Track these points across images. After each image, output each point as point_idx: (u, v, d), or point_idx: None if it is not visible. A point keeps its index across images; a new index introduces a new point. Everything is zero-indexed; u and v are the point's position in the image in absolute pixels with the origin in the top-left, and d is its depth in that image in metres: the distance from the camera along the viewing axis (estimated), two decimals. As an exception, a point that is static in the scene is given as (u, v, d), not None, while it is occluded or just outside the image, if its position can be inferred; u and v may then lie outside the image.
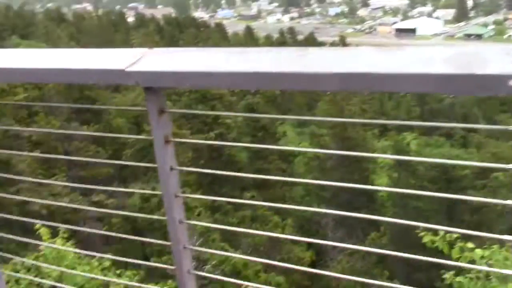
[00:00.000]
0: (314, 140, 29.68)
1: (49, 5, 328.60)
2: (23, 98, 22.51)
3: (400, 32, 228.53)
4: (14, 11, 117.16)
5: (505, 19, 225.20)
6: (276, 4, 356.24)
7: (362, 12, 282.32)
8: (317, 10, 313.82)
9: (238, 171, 27.13)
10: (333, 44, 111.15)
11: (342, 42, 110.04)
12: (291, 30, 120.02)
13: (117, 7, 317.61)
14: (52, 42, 72.88)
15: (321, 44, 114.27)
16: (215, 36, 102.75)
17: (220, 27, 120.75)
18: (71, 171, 24.02)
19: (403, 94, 75.41)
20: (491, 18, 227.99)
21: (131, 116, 25.03)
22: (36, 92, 25.18)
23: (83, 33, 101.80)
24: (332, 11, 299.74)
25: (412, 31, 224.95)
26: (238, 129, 27.90)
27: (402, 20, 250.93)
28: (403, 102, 68.25)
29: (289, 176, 31.55)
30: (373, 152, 37.17)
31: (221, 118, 25.90)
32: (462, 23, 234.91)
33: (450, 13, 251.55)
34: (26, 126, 21.59)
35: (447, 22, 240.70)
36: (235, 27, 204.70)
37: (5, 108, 15.78)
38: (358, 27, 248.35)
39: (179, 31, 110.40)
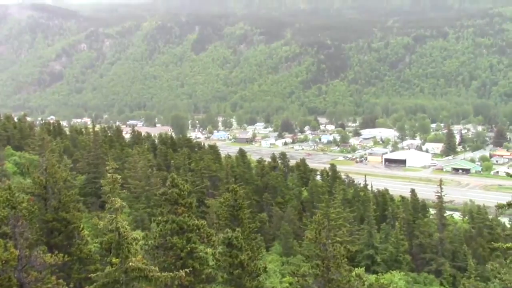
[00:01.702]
0: (295, 280, 28.45)
1: (50, 118, 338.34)
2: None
3: (390, 162, 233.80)
4: (14, 122, 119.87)
5: (491, 156, 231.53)
6: (270, 129, 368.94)
7: (353, 141, 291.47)
8: (310, 137, 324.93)
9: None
10: (323, 171, 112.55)
11: (333, 169, 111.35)
12: (283, 155, 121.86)
13: (117, 123, 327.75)
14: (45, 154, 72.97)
15: (312, 171, 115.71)
16: (208, 157, 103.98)
17: (213, 148, 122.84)
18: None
19: (391, 225, 74.80)
20: (477, 154, 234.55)
21: (106, 242, 23.93)
22: (6, 211, 24.48)
23: (77, 148, 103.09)
24: (325, 138, 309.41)
25: (402, 162, 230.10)
26: (214, 264, 26.75)
27: (392, 151, 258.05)
28: (392, 235, 67.27)
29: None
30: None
31: (196, 252, 25.00)
32: (450, 157, 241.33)
33: (438, 146, 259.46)
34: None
35: (435, 155, 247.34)
36: (229, 149, 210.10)
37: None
38: (349, 155, 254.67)
39: (173, 150, 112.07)
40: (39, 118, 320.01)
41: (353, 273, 30.11)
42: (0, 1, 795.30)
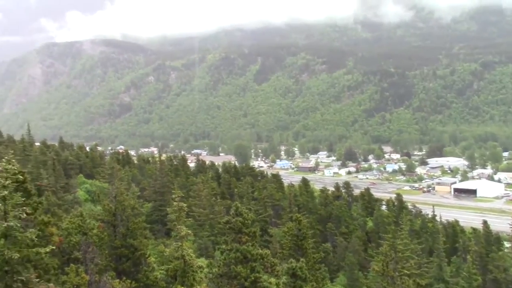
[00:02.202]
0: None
1: (119, 147, 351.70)
2: (62, 243, 22.75)
3: (460, 192, 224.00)
4: (86, 151, 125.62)
5: None
6: (333, 157, 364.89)
7: (419, 170, 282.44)
8: (375, 166, 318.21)
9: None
10: (389, 201, 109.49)
11: (399, 199, 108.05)
12: (347, 184, 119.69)
13: (182, 152, 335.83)
14: (114, 182, 75.61)
15: (377, 200, 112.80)
16: (271, 186, 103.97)
17: (276, 177, 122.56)
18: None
19: (462, 258, 71.23)
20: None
21: (171, 269, 24.24)
22: (78, 237, 25.39)
23: (144, 176, 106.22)
24: (390, 167, 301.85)
25: (473, 192, 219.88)
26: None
27: (461, 180, 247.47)
28: (464, 269, 63.99)
29: None
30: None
31: (260, 281, 24.76)
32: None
33: (511, 176, 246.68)
34: (55, 278, 21.10)
35: (508, 185, 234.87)
36: (291, 178, 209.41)
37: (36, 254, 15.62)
38: (416, 185, 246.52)
39: (237, 179, 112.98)
40: (109, 148, 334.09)
41: (423, 308, 28.80)
42: (75, 38, 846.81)
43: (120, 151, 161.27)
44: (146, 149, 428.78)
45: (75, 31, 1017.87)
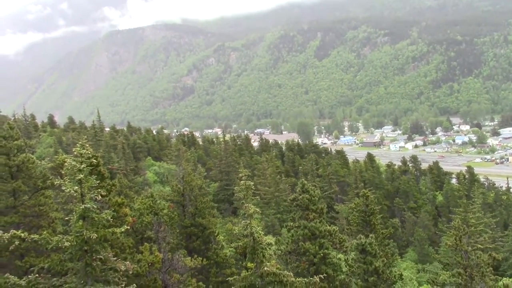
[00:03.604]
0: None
1: (184, 129, 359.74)
2: (135, 224, 23.68)
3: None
4: (152, 134, 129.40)
5: None
6: (399, 131, 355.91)
7: (492, 141, 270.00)
8: (443, 138, 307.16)
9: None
10: (459, 174, 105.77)
11: (470, 172, 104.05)
12: (414, 158, 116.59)
13: (245, 132, 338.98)
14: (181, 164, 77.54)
15: (446, 174, 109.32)
16: (335, 163, 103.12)
17: (340, 153, 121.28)
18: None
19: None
20: None
21: (240, 246, 24.57)
22: (150, 217, 26.25)
23: (210, 157, 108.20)
24: (459, 139, 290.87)
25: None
26: (347, 270, 26.18)
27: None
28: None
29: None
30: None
31: (329, 258, 24.65)
32: None
33: None
34: (130, 257, 21.94)
35: None
36: (356, 153, 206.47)
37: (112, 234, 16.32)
38: (488, 157, 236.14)
39: (300, 157, 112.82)
40: (175, 130, 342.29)
41: (500, 283, 27.75)
42: (137, 24, 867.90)
43: (185, 133, 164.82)
44: (210, 130, 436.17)
45: (136, 18, 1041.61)
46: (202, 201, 35.41)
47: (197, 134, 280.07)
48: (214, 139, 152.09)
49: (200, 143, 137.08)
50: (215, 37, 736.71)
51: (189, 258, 26.82)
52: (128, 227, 19.01)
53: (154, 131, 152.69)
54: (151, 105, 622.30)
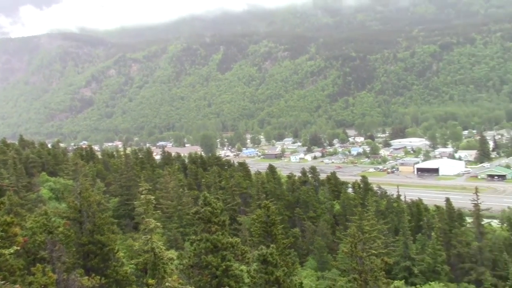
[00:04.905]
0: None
1: (83, 143, 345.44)
2: (27, 244, 22.23)
3: (422, 172, 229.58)
4: (47, 148, 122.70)
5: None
6: (299, 143, 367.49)
7: (383, 152, 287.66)
8: (340, 149, 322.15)
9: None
10: (355, 184, 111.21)
11: (364, 181, 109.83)
12: (313, 169, 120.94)
13: (147, 145, 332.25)
14: (79, 179, 74.35)
15: (343, 184, 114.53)
16: (238, 175, 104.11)
17: (243, 165, 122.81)
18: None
19: (427, 235, 73.17)
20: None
21: (141, 262, 24.08)
22: (43, 236, 24.89)
23: (110, 171, 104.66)
24: (354, 150, 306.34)
25: (435, 171, 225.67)
26: (250, 281, 26.52)
27: (423, 160, 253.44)
28: (428, 245, 65.77)
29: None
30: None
31: (231, 270, 24.82)
32: (484, 164, 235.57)
33: (472, 153, 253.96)
34: (21, 279, 20.61)
35: (468, 163, 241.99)
36: (258, 165, 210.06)
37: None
38: (380, 166, 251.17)
39: (203, 169, 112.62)
40: (72, 144, 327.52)
41: (392, 286, 29.49)
42: (31, 33, 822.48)
43: (84, 146, 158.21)
44: (110, 144, 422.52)
45: (30, 26, 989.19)
46: (100, 217, 34.12)
47: (96, 147, 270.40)
48: (114, 153, 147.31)
49: (100, 156, 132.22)
50: (116, 47, 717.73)
51: (87, 277, 25.70)
52: (19, 248, 17.85)
53: (49, 145, 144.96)
54: (46, 118, 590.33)
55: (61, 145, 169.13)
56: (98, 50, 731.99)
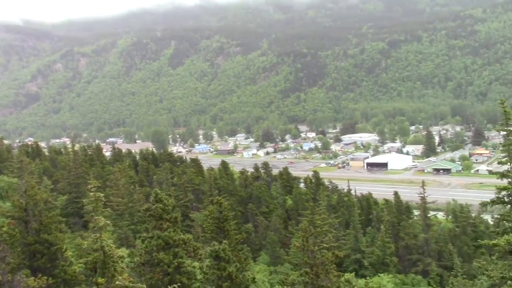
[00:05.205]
0: None
1: (28, 139, 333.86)
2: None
3: (372, 166, 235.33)
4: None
5: (471, 155, 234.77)
6: (251, 139, 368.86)
7: (334, 147, 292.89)
8: (292, 145, 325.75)
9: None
10: (307, 179, 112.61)
11: (316, 176, 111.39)
12: (266, 165, 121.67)
13: (96, 141, 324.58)
14: (24, 176, 71.77)
15: (295, 179, 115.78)
16: (190, 171, 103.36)
17: (195, 162, 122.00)
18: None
19: (376, 228, 75.11)
20: (457, 154, 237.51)
21: (90, 261, 23.43)
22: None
23: (57, 168, 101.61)
24: (306, 146, 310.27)
25: (384, 165, 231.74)
26: (202, 278, 26.40)
27: (373, 155, 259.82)
28: (378, 238, 67.47)
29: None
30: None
31: (183, 267, 24.59)
32: (430, 158, 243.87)
33: (419, 148, 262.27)
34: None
35: (416, 157, 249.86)
36: (211, 161, 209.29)
37: None
38: (331, 161, 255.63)
39: (155, 166, 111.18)
40: (17, 141, 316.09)
41: (342, 279, 29.97)
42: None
43: (29, 143, 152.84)
44: (57, 140, 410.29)
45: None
46: (47, 215, 33.05)
47: (43, 144, 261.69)
48: (62, 149, 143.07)
49: (47, 153, 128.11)
50: (63, 41, 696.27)
51: (33, 278, 24.84)
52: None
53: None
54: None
55: (5, 141, 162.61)
56: (44, 44, 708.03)
